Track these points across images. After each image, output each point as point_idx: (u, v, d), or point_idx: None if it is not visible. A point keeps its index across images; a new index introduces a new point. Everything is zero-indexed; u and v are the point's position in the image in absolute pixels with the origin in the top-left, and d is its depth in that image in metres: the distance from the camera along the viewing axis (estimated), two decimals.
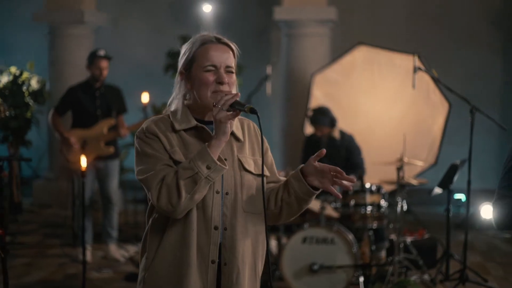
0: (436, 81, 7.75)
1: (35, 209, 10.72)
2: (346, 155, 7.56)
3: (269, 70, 8.28)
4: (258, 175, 2.96)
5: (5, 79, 10.13)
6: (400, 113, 8.89)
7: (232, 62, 2.93)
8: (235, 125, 2.97)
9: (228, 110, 2.76)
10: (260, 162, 3.00)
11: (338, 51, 9.75)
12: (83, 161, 5.74)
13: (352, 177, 2.88)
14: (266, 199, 3.00)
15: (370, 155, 7.86)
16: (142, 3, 12.59)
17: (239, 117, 3.00)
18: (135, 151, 2.91)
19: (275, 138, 10.86)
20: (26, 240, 8.58)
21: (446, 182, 6.90)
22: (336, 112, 8.36)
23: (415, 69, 6.79)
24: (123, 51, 11.81)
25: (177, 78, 2.97)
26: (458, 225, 9.21)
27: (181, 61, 2.96)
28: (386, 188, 7.34)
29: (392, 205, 7.15)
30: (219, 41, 2.93)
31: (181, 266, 2.83)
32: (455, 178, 6.87)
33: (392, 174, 7.23)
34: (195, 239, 2.83)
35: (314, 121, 7.50)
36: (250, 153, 3.00)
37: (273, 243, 7.44)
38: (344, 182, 2.86)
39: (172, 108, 2.96)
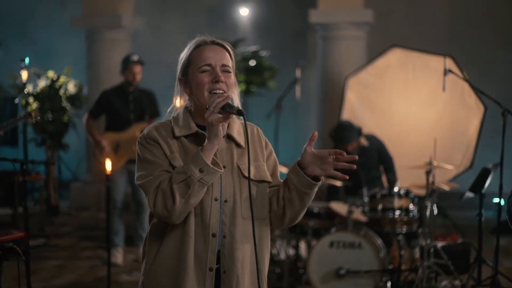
0: (468, 83, 7.63)
1: (72, 211, 10.84)
2: (377, 155, 7.50)
3: (298, 73, 8.25)
4: (258, 181, 2.93)
5: (42, 83, 10.26)
6: (435, 116, 8.75)
7: (228, 61, 2.90)
8: (237, 130, 2.95)
9: (220, 113, 2.74)
10: (264, 167, 2.99)
11: (375, 54, 9.67)
12: (108, 165, 5.80)
13: (355, 155, 2.81)
14: (268, 201, 2.97)
15: (404, 159, 7.77)
16: (180, 7, 12.65)
17: (243, 122, 2.99)
18: (136, 156, 2.91)
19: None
20: (60, 243, 8.67)
21: (477, 186, 6.77)
22: (369, 115, 8.30)
23: (445, 72, 6.69)
24: (160, 55, 11.86)
25: (177, 85, 2.96)
26: (494, 229, 9.02)
27: (178, 67, 2.95)
28: (418, 192, 7.23)
29: (423, 209, 7.05)
30: (213, 42, 2.92)
31: (178, 273, 2.82)
32: (487, 182, 6.74)
33: (423, 178, 7.13)
34: (193, 246, 2.82)
35: (343, 140, 7.27)
36: (252, 159, 2.95)
37: (303, 247, 7.41)
38: (346, 164, 2.81)
39: (175, 115, 2.95)
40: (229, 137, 2.92)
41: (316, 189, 2.88)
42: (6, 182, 8.87)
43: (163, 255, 2.86)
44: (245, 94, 10.91)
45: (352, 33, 10.32)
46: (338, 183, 7.02)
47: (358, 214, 6.58)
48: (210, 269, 2.84)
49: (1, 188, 9.01)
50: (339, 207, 6.66)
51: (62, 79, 10.32)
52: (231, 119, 2.88)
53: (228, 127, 2.91)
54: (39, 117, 6.62)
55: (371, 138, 7.52)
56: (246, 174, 2.88)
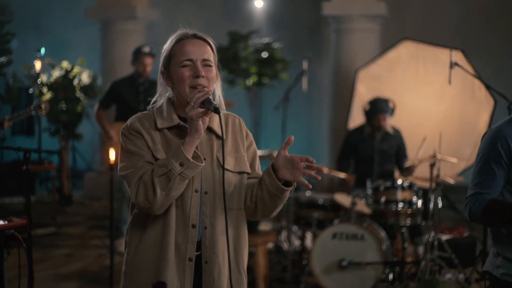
0: (476, 77, 7.60)
1: (85, 201, 10.92)
2: (396, 150, 7.51)
3: (305, 65, 8.25)
4: (238, 172, 2.97)
5: (56, 73, 10.35)
6: (445, 109, 8.72)
7: (210, 56, 2.91)
8: (217, 122, 2.95)
9: (200, 107, 2.77)
10: (244, 158, 3.02)
11: (389, 47, 9.65)
12: (112, 154, 5.85)
13: (322, 166, 2.82)
14: (244, 194, 3.00)
15: (412, 151, 7.75)
16: None
17: (224, 112, 3.01)
18: (120, 147, 2.95)
19: (324, 133, 10.83)
20: (71, 232, 8.76)
21: None
22: None
23: (452, 65, 6.67)
24: None
25: (159, 77, 2.98)
26: None
27: (161, 60, 2.97)
28: (424, 185, 7.22)
29: (429, 202, 7.04)
30: (194, 36, 2.93)
31: (160, 263, 2.86)
32: None
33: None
34: (174, 237, 2.86)
35: (378, 110, 7.30)
36: (232, 150, 2.99)
37: (309, 238, 7.43)
38: (313, 173, 2.80)
39: (158, 105, 2.98)
40: (210, 129, 2.94)
41: (287, 193, 2.90)
42: (19, 171, 8.97)
43: (144, 245, 2.89)
44: (257, 85, 10.93)
45: (365, 26, 10.31)
46: (342, 175, 7.05)
47: (362, 206, 6.59)
48: (190, 259, 2.88)
49: (14, 177, 9.12)
50: (343, 199, 6.68)
51: (76, 69, 10.40)
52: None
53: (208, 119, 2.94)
54: (48, 109, 6.66)
55: (396, 131, 7.54)
56: (225, 166, 2.91)
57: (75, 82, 10.39)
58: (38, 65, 9.38)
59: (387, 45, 10.10)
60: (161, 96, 2.98)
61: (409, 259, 6.82)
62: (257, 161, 3.10)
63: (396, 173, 7.56)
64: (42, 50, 9.45)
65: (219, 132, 2.95)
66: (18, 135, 12.97)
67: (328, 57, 11.06)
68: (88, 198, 11.06)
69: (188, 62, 2.87)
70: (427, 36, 9.75)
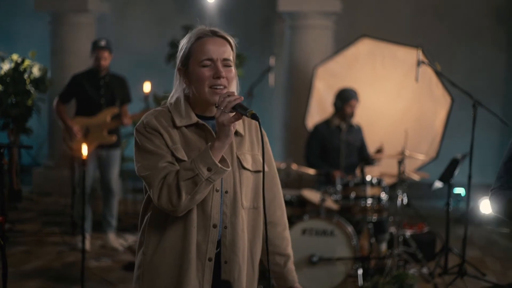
0: (439, 74, 7.73)
1: (34, 197, 10.70)
2: (360, 144, 7.57)
3: (272, 61, 8.25)
4: (255, 171, 2.94)
5: (6, 66, 10.10)
6: (403, 107, 8.85)
7: (229, 55, 2.83)
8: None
9: (230, 112, 2.68)
10: (259, 157, 2.98)
11: (342, 44, 9.70)
12: (84, 150, 5.74)
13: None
14: (261, 193, 2.97)
15: (371, 149, 7.84)
16: None
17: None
18: (135, 145, 2.84)
19: (277, 130, 10.84)
20: (25, 228, 8.56)
21: (447, 176, 6.89)
22: None
23: (419, 63, 6.77)
24: (126, 40, 11.78)
25: (176, 74, 2.89)
26: (457, 219, 9.20)
27: (178, 56, 2.88)
28: (387, 181, 7.32)
29: (392, 198, 7.14)
30: (215, 34, 2.83)
31: (181, 264, 2.81)
32: (456, 172, 6.86)
33: (393, 168, 7.24)
34: (195, 236, 2.81)
35: (347, 97, 7.34)
36: (249, 148, 2.96)
37: None
38: None
39: (173, 101, 2.88)
40: None
41: None
42: None
43: (164, 245, 2.83)
44: None
45: (319, 23, 10.38)
46: (311, 172, 7.07)
47: (330, 202, 6.62)
48: (209, 259, 2.84)
49: None
50: (311, 195, 6.70)
51: (27, 62, 10.17)
52: None
53: None
54: None
55: (358, 127, 7.59)
56: (245, 165, 2.89)
57: (26, 75, 10.15)
58: None
59: (340, 42, 10.18)
60: (177, 92, 2.89)
61: (373, 255, 6.89)
62: (272, 160, 3.09)
63: (358, 170, 7.62)
64: None
65: (238, 128, 2.92)
66: None
67: (281, 53, 11.08)
68: (37, 194, 10.84)
69: (208, 62, 2.78)
70: (379, 33, 9.85)
